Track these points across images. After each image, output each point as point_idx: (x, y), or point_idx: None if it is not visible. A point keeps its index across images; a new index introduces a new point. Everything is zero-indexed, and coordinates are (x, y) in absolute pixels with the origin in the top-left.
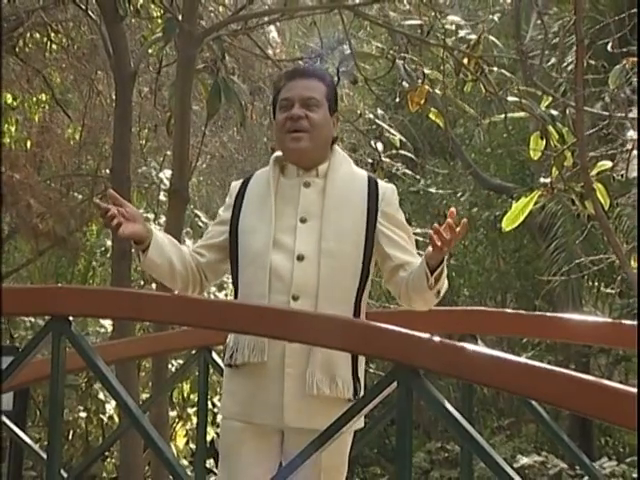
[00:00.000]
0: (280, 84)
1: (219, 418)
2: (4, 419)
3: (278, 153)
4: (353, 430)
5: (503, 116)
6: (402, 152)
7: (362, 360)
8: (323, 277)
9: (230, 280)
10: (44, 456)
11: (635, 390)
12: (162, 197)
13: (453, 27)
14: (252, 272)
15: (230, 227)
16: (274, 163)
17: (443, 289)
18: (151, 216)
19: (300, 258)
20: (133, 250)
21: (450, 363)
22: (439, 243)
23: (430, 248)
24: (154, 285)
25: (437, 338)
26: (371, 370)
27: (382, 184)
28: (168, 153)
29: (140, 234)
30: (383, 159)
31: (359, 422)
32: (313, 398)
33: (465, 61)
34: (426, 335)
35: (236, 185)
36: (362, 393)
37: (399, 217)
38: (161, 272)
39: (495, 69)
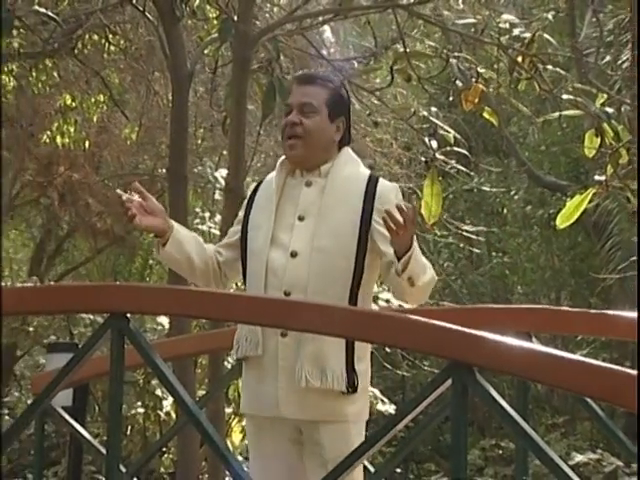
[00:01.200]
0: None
1: None
2: (64, 414)
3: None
4: (362, 421)
5: (558, 114)
6: (456, 149)
7: (363, 352)
8: (313, 273)
9: None
10: (103, 451)
11: None
12: (218, 196)
13: (507, 25)
14: (253, 268)
15: (241, 226)
16: (281, 165)
17: (421, 279)
18: (207, 215)
19: (293, 255)
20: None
21: (505, 360)
22: (393, 226)
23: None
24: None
25: (492, 335)
26: (425, 368)
27: (382, 182)
28: (224, 152)
29: (158, 228)
30: (437, 156)
31: (365, 413)
32: (305, 390)
33: (519, 59)
34: (481, 332)
35: (252, 187)
36: (363, 384)
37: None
38: (179, 266)
39: (549, 67)
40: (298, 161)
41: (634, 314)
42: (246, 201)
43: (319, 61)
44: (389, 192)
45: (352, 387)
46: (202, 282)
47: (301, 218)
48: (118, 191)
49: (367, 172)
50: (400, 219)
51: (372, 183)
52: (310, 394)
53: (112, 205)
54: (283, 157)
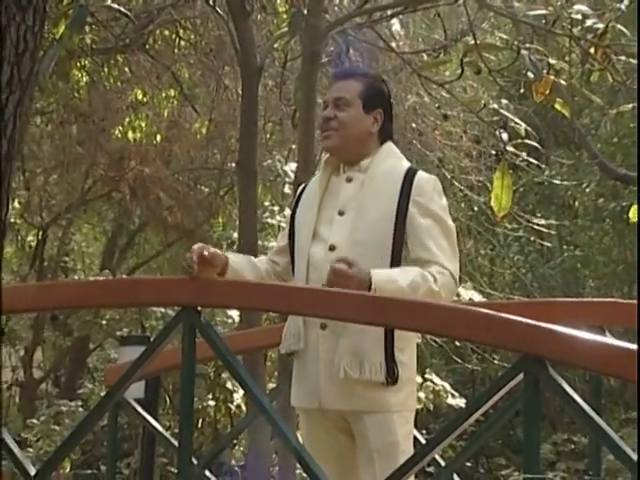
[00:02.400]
0: None
1: None
2: (137, 406)
3: (328, 155)
4: (408, 410)
5: (631, 105)
6: (527, 142)
7: (404, 343)
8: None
9: None
10: (175, 443)
11: None
12: (287, 190)
13: (579, 16)
14: (298, 264)
15: (289, 227)
16: (326, 163)
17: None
18: (276, 208)
19: (332, 248)
20: None
21: (578, 354)
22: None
23: None
24: None
25: (563, 329)
26: (495, 361)
27: (420, 175)
28: (293, 146)
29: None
30: (507, 149)
31: (411, 403)
32: (345, 381)
33: (592, 50)
34: (552, 326)
35: (299, 189)
36: (406, 375)
37: (432, 207)
38: None
39: (623, 58)
40: (334, 151)
41: None
42: (293, 203)
43: (388, 54)
44: (426, 184)
45: (392, 378)
46: None
47: (341, 213)
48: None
49: (406, 165)
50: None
51: (409, 176)
52: (351, 385)
53: (182, 199)
54: (327, 155)
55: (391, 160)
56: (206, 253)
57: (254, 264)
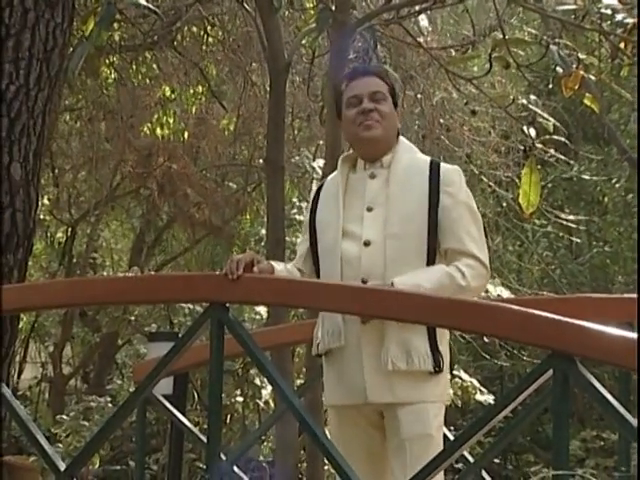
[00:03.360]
0: (343, 86)
1: None
2: (165, 402)
3: (347, 153)
4: (442, 402)
5: None
6: (555, 137)
7: (442, 334)
8: (389, 259)
9: None
10: (204, 439)
11: None
12: (315, 186)
13: (609, 11)
14: (327, 263)
15: (309, 228)
16: (343, 162)
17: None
18: (304, 205)
19: (367, 244)
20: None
21: (607, 351)
22: None
23: None
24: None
25: (593, 325)
26: (524, 358)
27: (444, 165)
28: (320, 142)
29: None
30: (536, 145)
31: (446, 395)
32: (391, 373)
33: (622, 45)
34: (581, 322)
35: (314, 190)
36: (445, 366)
37: (462, 196)
38: None
39: None
40: (376, 141)
41: None
42: (309, 204)
43: (416, 50)
44: (452, 174)
45: (439, 367)
46: None
47: (369, 209)
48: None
49: (427, 158)
50: None
51: (435, 167)
52: (396, 377)
53: (210, 195)
54: (345, 154)
55: (410, 154)
56: (255, 269)
57: (291, 272)
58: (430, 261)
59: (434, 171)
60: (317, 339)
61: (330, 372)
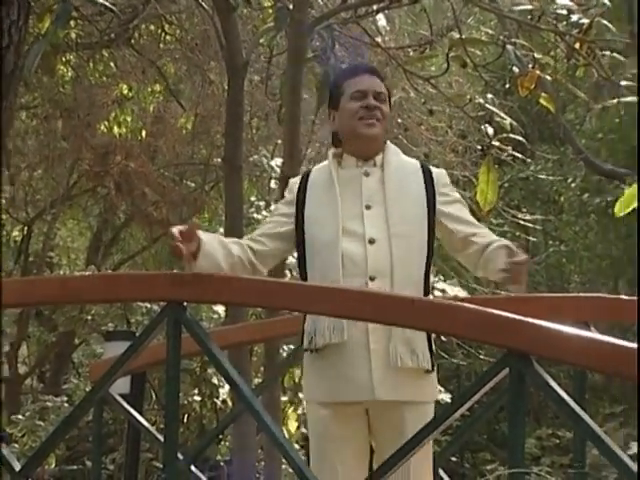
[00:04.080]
0: (341, 78)
1: None
2: (122, 402)
3: (334, 149)
4: (434, 401)
5: (616, 101)
6: (512, 137)
7: (433, 335)
8: (396, 258)
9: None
10: (161, 438)
11: None
12: (273, 185)
13: (564, 12)
14: (324, 259)
15: (296, 220)
16: (333, 157)
17: None
18: (262, 203)
19: (371, 242)
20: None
21: (563, 349)
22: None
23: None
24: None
25: (549, 324)
26: (481, 357)
27: (434, 169)
28: (279, 141)
29: (195, 249)
30: (493, 144)
31: (437, 393)
32: (398, 371)
33: (577, 46)
34: (538, 321)
35: (296, 181)
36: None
37: (454, 194)
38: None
39: (607, 53)
40: (374, 139)
41: None
42: (293, 195)
43: (374, 49)
44: (443, 176)
45: (434, 365)
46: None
47: (368, 207)
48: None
49: (415, 161)
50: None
51: (427, 170)
52: (401, 375)
53: (167, 194)
54: (334, 149)
55: (397, 156)
56: (182, 229)
57: (228, 249)
58: (428, 261)
59: (427, 174)
60: (311, 333)
61: (326, 368)
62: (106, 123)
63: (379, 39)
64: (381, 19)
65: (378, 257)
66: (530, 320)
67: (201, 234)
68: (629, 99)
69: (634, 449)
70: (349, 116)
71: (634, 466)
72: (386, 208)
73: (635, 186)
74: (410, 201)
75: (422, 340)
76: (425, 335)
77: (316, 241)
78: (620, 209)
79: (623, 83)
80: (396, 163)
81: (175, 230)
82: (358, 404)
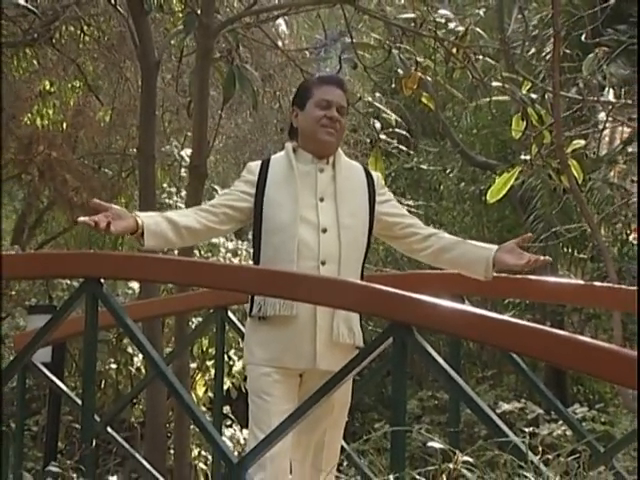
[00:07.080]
0: (312, 83)
1: (235, 369)
2: (44, 369)
3: (290, 143)
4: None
5: (488, 100)
6: (398, 131)
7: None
8: (344, 246)
9: (244, 247)
10: (79, 402)
11: (591, 340)
12: (183, 173)
13: (443, 20)
14: (280, 240)
15: (255, 200)
16: (292, 150)
17: None
18: (173, 190)
19: (324, 231)
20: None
21: (440, 320)
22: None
23: (515, 260)
24: (176, 252)
25: (429, 298)
26: (370, 327)
27: (373, 172)
28: (188, 134)
29: (130, 227)
30: (380, 137)
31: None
32: (337, 345)
33: (454, 51)
34: (418, 295)
35: (257, 165)
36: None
37: (389, 194)
38: (162, 247)
39: (481, 57)
40: (329, 147)
41: (553, 279)
42: (254, 177)
43: (275, 51)
44: (379, 179)
45: (362, 342)
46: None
47: (322, 199)
48: (81, 219)
49: (358, 164)
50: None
51: (368, 173)
52: (338, 349)
53: (87, 181)
54: (290, 143)
55: (344, 158)
56: (108, 212)
57: (174, 222)
58: (366, 251)
59: (369, 176)
60: (260, 303)
61: (273, 336)
62: (30, 115)
63: (279, 42)
64: (281, 24)
65: (329, 244)
66: (411, 294)
67: (143, 216)
68: (499, 98)
69: (502, 408)
70: (313, 121)
71: (501, 423)
72: (336, 202)
73: (504, 175)
74: (356, 197)
75: (356, 319)
76: (358, 315)
77: (274, 222)
78: (491, 196)
79: (494, 84)
80: (345, 164)
81: (82, 219)
82: (298, 370)
